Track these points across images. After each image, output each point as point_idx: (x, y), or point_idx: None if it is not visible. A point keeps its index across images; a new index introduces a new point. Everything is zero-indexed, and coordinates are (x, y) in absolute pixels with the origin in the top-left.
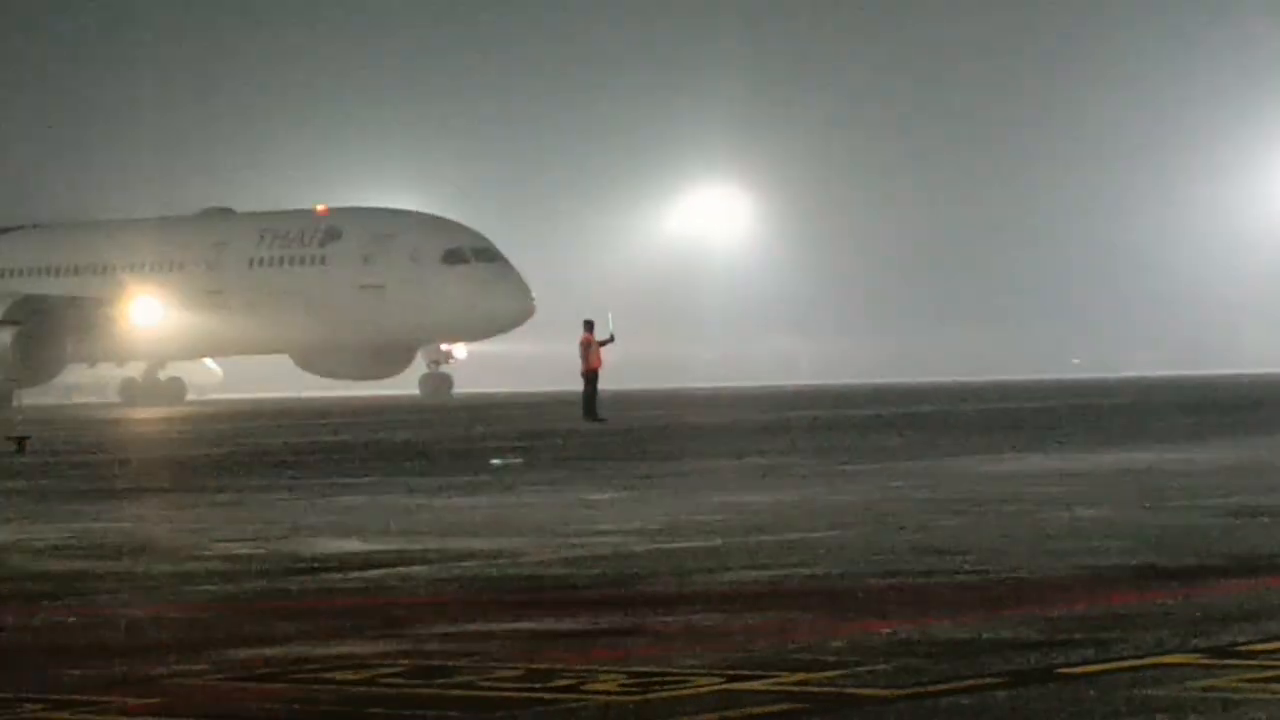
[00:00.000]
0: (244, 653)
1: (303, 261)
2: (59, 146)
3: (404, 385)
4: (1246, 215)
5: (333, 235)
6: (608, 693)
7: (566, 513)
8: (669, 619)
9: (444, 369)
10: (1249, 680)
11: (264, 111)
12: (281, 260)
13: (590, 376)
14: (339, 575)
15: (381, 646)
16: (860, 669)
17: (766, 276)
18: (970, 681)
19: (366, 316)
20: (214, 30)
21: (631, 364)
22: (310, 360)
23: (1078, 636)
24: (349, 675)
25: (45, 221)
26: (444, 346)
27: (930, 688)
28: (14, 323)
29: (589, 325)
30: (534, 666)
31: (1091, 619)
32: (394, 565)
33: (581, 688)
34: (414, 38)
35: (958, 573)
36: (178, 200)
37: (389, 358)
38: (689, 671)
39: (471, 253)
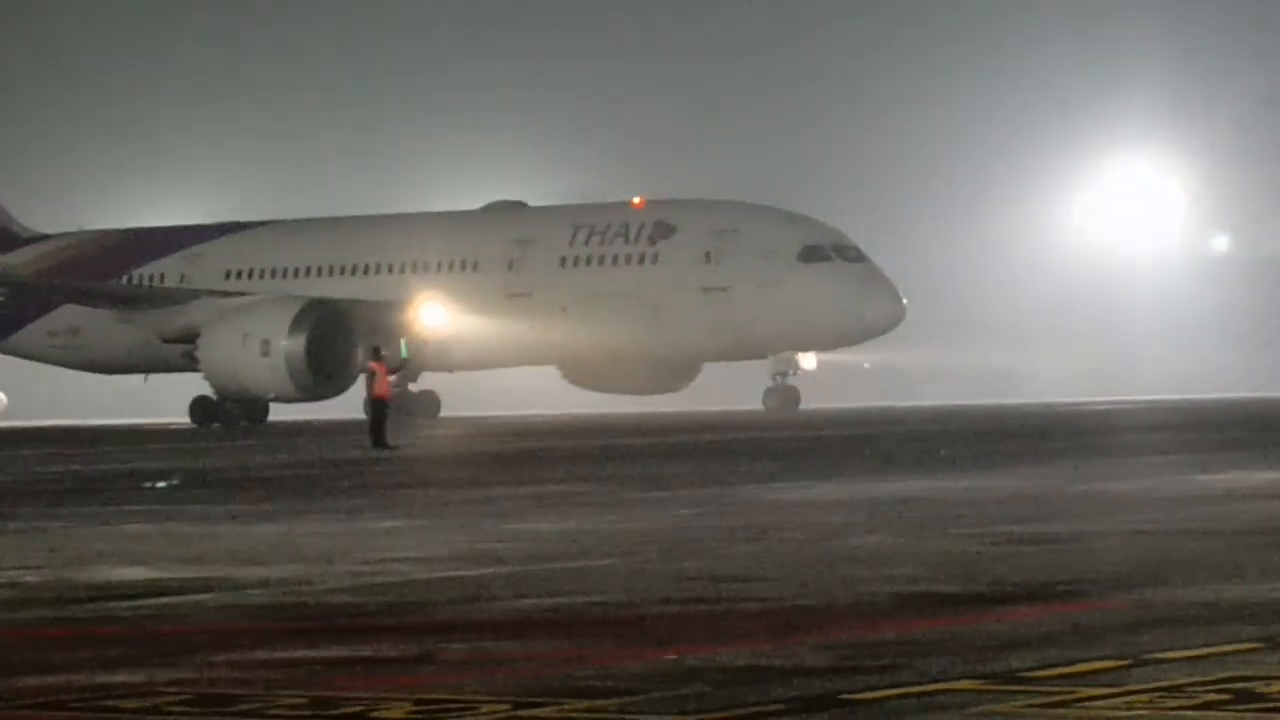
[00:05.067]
0: (27, 681)
1: (629, 261)
2: (320, 137)
3: (681, 401)
4: (1035, 243)
5: (664, 231)
6: None
7: (354, 540)
8: (457, 646)
9: (791, 381)
10: (1030, 706)
11: (548, 96)
12: (602, 259)
13: (378, 404)
14: (123, 603)
15: (166, 674)
16: (647, 696)
17: None
18: (756, 708)
19: (709, 322)
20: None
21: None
22: (592, 372)
23: (863, 663)
24: (133, 704)
25: (296, 216)
26: (796, 356)
27: (717, 714)
28: (302, 330)
29: (376, 352)
30: (320, 694)
31: (877, 646)
32: (181, 593)
33: (368, 715)
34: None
35: (745, 600)
36: (459, 194)
37: (680, 371)
38: (477, 699)
39: (833, 250)
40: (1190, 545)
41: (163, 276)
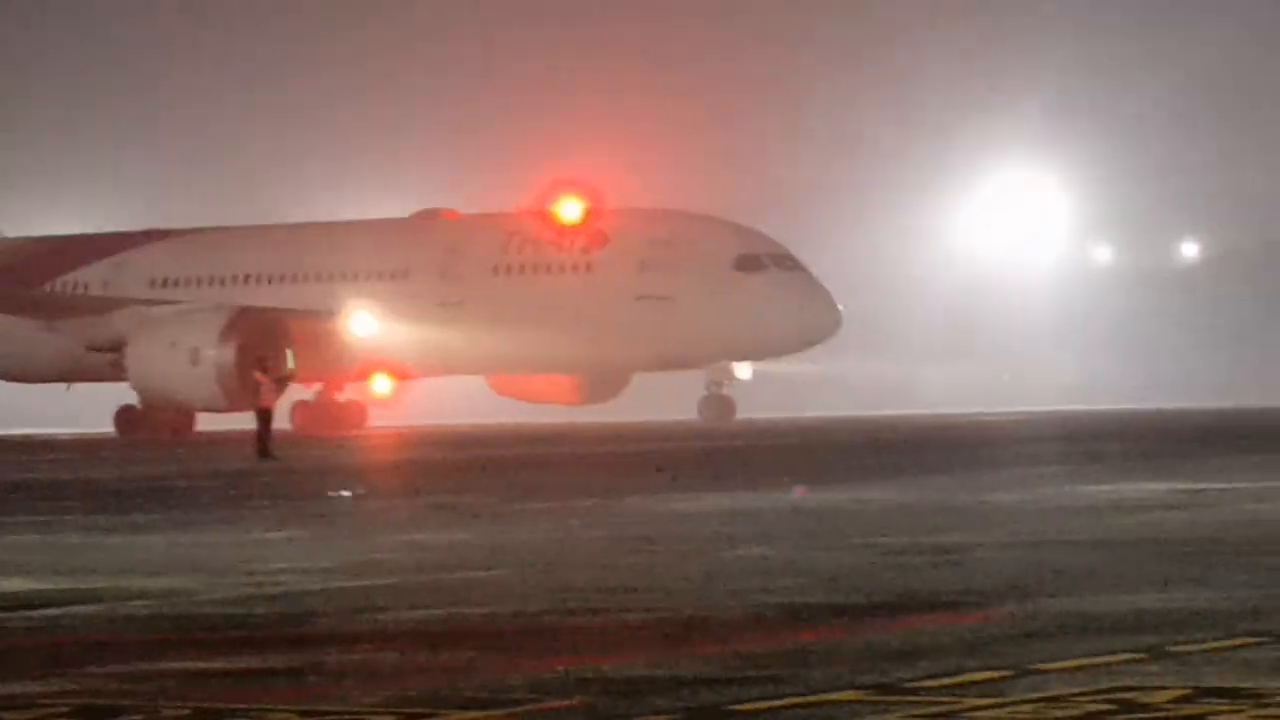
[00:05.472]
0: None
1: (562, 269)
2: (240, 143)
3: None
4: (923, 254)
5: (598, 240)
6: None
7: (241, 551)
8: (344, 657)
9: (726, 391)
10: (914, 716)
11: (479, 102)
12: (535, 268)
13: (263, 415)
14: (5, 614)
15: (49, 686)
16: (536, 706)
17: None
18: (644, 719)
19: (645, 332)
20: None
21: None
22: (522, 382)
23: (750, 674)
24: (14, 716)
25: (224, 223)
26: (731, 365)
27: None
28: (233, 340)
29: (260, 363)
30: (205, 706)
31: (763, 656)
32: (65, 604)
33: None
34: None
35: (633, 611)
36: (390, 201)
37: (611, 382)
38: (365, 710)
39: (770, 259)
40: (1075, 556)
41: (86, 285)
